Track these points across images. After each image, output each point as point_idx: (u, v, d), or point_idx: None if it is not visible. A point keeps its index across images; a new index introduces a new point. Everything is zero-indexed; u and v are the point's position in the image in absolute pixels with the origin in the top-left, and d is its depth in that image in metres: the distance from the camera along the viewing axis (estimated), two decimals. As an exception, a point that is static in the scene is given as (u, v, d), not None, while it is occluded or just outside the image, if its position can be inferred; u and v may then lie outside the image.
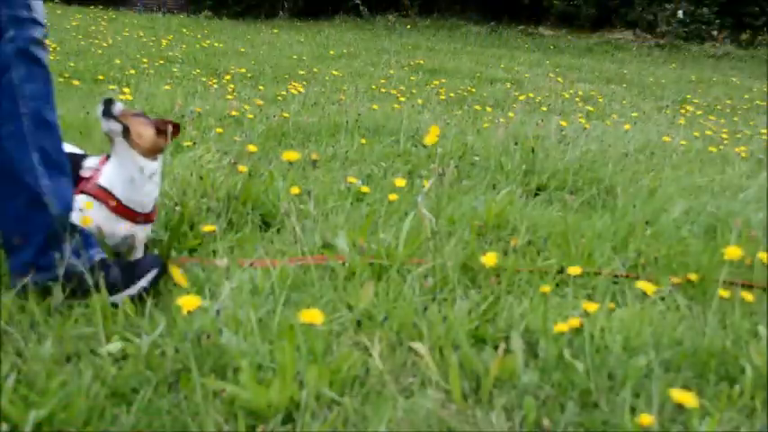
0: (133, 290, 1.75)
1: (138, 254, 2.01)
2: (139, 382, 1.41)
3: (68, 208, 1.75)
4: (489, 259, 1.85)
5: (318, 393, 1.39)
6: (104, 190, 1.90)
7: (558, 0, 17.01)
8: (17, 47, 1.68)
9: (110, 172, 1.92)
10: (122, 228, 1.93)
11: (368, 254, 2.09)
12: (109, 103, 1.87)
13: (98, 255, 1.79)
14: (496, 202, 2.71)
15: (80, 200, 1.88)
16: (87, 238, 1.79)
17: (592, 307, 1.64)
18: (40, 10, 1.73)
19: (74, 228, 1.75)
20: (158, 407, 1.34)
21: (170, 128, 1.95)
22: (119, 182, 1.90)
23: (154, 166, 1.93)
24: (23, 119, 1.70)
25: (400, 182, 2.68)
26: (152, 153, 1.92)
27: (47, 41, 1.77)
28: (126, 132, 1.88)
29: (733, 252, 1.86)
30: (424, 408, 1.38)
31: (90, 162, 2.00)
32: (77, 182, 1.91)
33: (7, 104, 1.69)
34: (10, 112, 1.69)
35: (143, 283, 1.76)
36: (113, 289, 1.72)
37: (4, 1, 1.66)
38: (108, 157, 1.96)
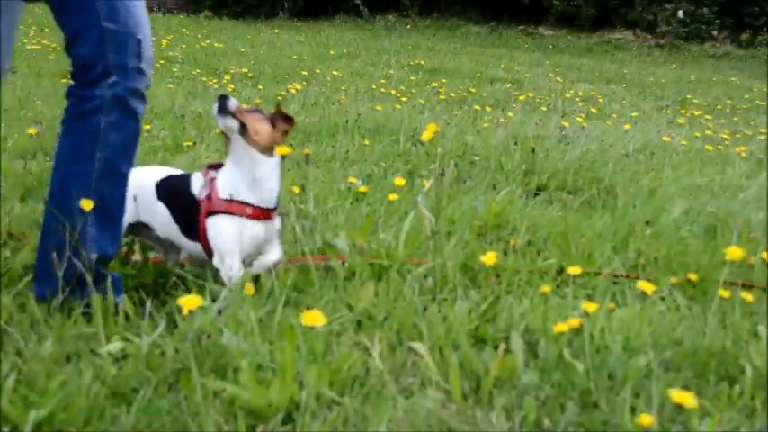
0: None
1: (275, 248, 1.95)
2: (139, 382, 1.41)
3: (104, 258, 1.75)
4: (489, 258, 1.85)
5: (318, 393, 1.39)
6: (233, 201, 1.84)
7: (558, 0, 17.00)
8: (115, 93, 1.70)
9: (229, 178, 1.85)
10: (261, 230, 1.87)
11: (368, 254, 2.09)
12: (224, 99, 1.80)
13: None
14: (496, 202, 2.71)
15: (215, 224, 1.83)
16: (116, 284, 1.78)
17: (592, 307, 1.64)
18: (149, 60, 1.75)
19: (102, 277, 1.74)
20: (158, 407, 1.34)
21: (286, 122, 1.90)
22: (242, 185, 1.84)
23: (273, 161, 1.88)
24: (95, 163, 1.71)
25: (399, 181, 2.68)
26: (270, 149, 1.86)
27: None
28: (243, 129, 1.82)
29: (733, 252, 1.86)
30: (424, 408, 1.38)
31: (197, 181, 1.91)
32: (197, 206, 1.86)
33: (86, 145, 1.71)
34: (85, 153, 1.70)
35: None
36: None
37: (115, 46, 1.67)
38: (209, 168, 1.91)
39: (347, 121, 4.35)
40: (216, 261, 1.85)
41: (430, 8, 17.17)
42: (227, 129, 1.82)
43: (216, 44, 10.07)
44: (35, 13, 13.48)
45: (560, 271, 2.09)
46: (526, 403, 1.39)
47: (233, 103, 1.81)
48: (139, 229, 2.00)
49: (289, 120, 1.91)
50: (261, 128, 1.84)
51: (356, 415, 1.36)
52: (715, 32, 15.78)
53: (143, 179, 1.95)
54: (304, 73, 7.49)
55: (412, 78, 7.88)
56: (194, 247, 1.90)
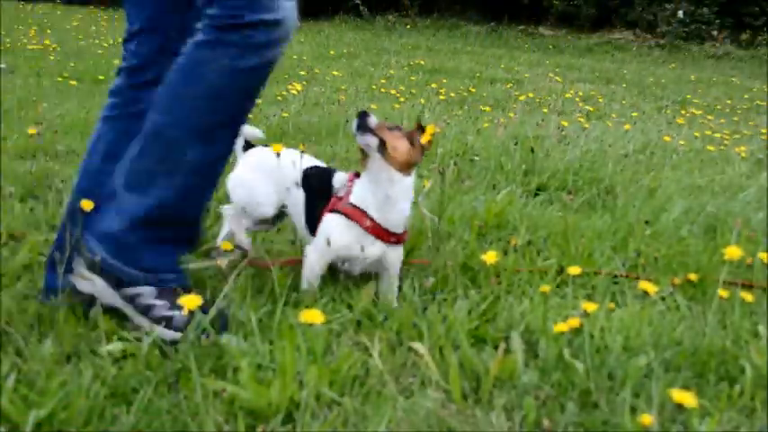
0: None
1: (393, 276, 1.90)
2: (139, 382, 1.41)
3: None
4: (490, 257, 1.85)
5: (318, 393, 1.39)
6: (358, 209, 1.80)
7: (558, 0, 17.00)
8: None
9: (362, 189, 1.81)
10: (375, 249, 1.82)
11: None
12: (364, 116, 1.76)
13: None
14: (496, 202, 2.71)
15: (329, 220, 1.82)
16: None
17: (592, 307, 1.64)
18: None
19: None
20: (158, 407, 1.34)
21: (424, 141, 1.83)
22: (373, 200, 1.80)
23: (408, 181, 1.82)
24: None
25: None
26: (407, 168, 1.80)
27: None
28: (382, 146, 1.76)
29: (733, 252, 1.86)
30: (424, 408, 1.38)
31: (339, 178, 1.92)
32: (329, 199, 1.86)
33: (126, 146, 1.66)
34: (123, 155, 1.67)
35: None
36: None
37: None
38: (357, 174, 1.88)
39: (347, 121, 4.35)
40: (306, 251, 1.85)
41: (430, 8, 17.17)
42: (366, 146, 1.77)
43: (216, 44, 10.05)
44: (35, 13, 13.49)
45: (560, 271, 2.09)
46: (526, 403, 1.39)
47: (373, 120, 1.77)
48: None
49: (429, 141, 1.85)
50: (400, 145, 1.78)
51: (356, 415, 1.36)
52: (715, 32, 15.78)
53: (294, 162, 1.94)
54: (304, 73, 7.48)
55: (412, 78, 7.88)
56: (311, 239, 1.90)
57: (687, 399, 1.24)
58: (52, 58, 7.20)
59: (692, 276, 2.05)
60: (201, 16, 1.55)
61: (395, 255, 1.88)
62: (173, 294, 1.59)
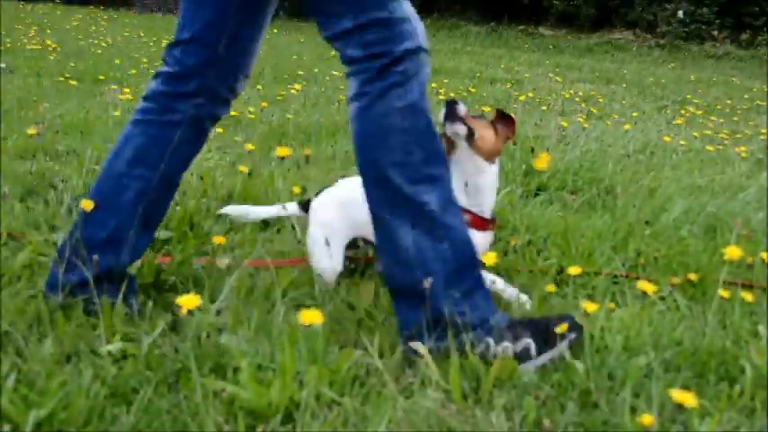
0: (548, 356, 1.56)
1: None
2: (139, 382, 1.41)
3: (135, 258, 1.75)
4: (489, 258, 1.84)
5: (318, 393, 1.39)
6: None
7: (558, 0, 17.00)
8: (198, 114, 1.70)
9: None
10: (476, 240, 1.76)
11: (366, 253, 2.09)
12: (452, 104, 1.76)
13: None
14: (496, 202, 2.70)
15: None
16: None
17: (592, 307, 1.64)
18: (237, 94, 1.76)
19: (131, 279, 1.74)
20: (158, 407, 1.34)
21: (507, 126, 1.84)
22: (462, 193, 1.79)
23: (495, 169, 1.83)
24: (158, 172, 1.70)
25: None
26: (493, 156, 1.81)
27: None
28: (470, 136, 1.77)
29: (733, 252, 1.86)
30: (424, 408, 1.38)
31: None
32: None
33: (155, 153, 1.69)
34: (152, 160, 1.69)
35: (562, 347, 1.56)
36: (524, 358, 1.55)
37: (218, 73, 1.68)
38: None
39: (347, 122, 4.34)
40: None
41: (430, 8, 17.17)
42: (455, 135, 1.77)
43: (216, 44, 10.05)
44: (35, 13, 13.50)
45: (560, 271, 2.09)
46: (526, 403, 1.39)
47: (462, 109, 1.77)
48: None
49: (510, 123, 1.85)
50: (487, 134, 1.79)
51: (356, 415, 1.36)
52: (715, 32, 15.78)
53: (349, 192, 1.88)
54: (304, 73, 7.49)
55: (412, 78, 7.87)
56: None
57: (687, 399, 1.25)
58: (52, 58, 7.20)
59: (692, 276, 2.05)
60: (341, 54, 1.55)
61: (487, 242, 1.87)
62: None
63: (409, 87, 1.52)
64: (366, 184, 1.59)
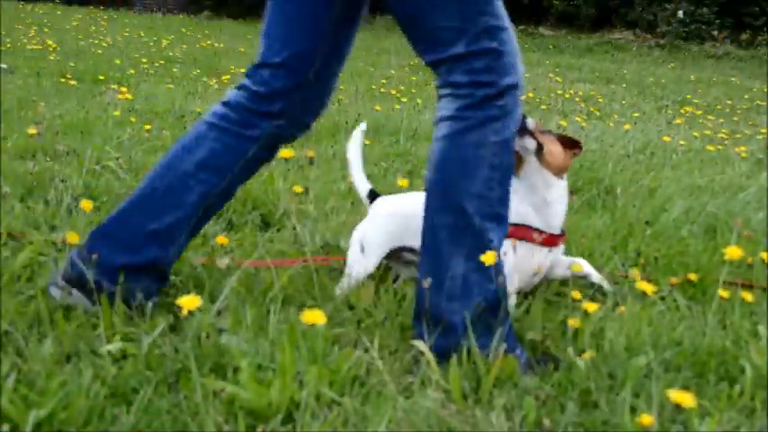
0: None
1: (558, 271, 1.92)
2: (139, 382, 1.41)
3: (176, 258, 1.76)
4: (489, 258, 1.84)
5: (318, 393, 1.39)
6: (522, 226, 1.78)
7: (559, 0, 17.00)
8: (278, 134, 1.71)
9: (516, 201, 1.70)
10: (548, 258, 1.83)
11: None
12: (522, 118, 1.71)
13: None
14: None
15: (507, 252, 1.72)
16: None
17: (592, 307, 1.64)
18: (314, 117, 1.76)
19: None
20: (158, 407, 1.34)
21: (574, 145, 1.85)
22: (531, 208, 1.79)
23: (563, 184, 1.84)
24: (225, 180, 1.71)
25: (403, 182, 2.68)
26: (562, 171, 1.82)
27: None
28: (539, 150, 1.78)
29: (733, 252, 1.86)
30: (424, 408, 1.38)
31: None
32: None
33: (227, 162, 1.69)
34: (222, 170, 1.69)
35: None
36: None
37: (304, 105, 1.69)
38: None
39: (347, 122, 4.34)
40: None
41: (430, 8, 17.14)
42: (524, 149, 1.77)
43: (216, 44, 10.08)
44: (35, 13, 13.51)
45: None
46: (526, 403, 1.39)
47: (531, 123, 1.77)
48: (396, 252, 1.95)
49: (576, 143, 1.86)
50: (555, 149, 1.80)
51: (356, 415, 1.36)
52: (715, 32, 15.78)
53: (411, 205, 1.84)
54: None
55: (412, 78, 7.89)
56: None
57: (685, 399, 1.24)
58: (52, 58, 7.20)
59: (692, 276, 2.05)
60: (442, 78, 1.54)
61: (559, 253, 1.89)
62: None
63: (506, 123, 1.53)
64: (432, 204, 1.57)
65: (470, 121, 1.52)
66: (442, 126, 1.56)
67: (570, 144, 1.84)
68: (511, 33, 1.54)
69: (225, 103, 1.70)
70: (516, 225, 1.75)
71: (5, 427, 1.24)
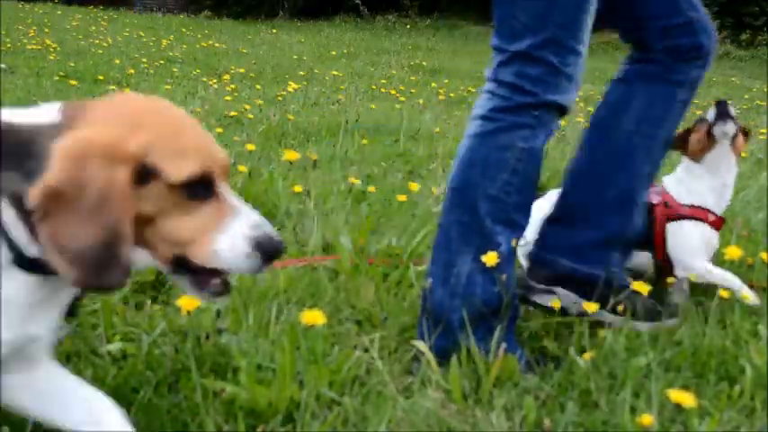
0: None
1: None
2: (139, 382, 1.41)
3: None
4: (490, 258, 1.84)
5: (318, 393, 1.39)
6: (698, 207, 1.88)
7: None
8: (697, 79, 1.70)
9: (693, 183, 1.91)
10: (716, 240, 1.91)
11: (366, 253, 2.09)
12: (724, 104, 1.86)
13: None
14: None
15: (679, 228, 1.86)
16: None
17: (592, 307, 1.64)
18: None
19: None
20: (158, 407, 1.34)
21: (747, 137, 1.95)
22: (710, 192, 1.88)
23: (736, 170, 1.94)
24: (661, 132, 1.71)
25: (414, 186, 2.68)
26: (739, 156, 1.94)
27: None
28: (735, 137, 1.87)
29: (733, 252, 1.85)
30: (424, 408, 1.38)
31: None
32: (651, 208, 1.88)
33: (657, 112, 1.68)
34: (655, 121, 1.69)
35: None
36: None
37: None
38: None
39: (347, 121, 4.35)
40: (682, 269, 1.87)
41: (430, 8, 17.17)
42: (723, 134, 1.84)
43: (216, 44, 10.08)
44: (35, 13, 13.50)
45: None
46: (526, 403, 1.39)
47: (732, 109, 1.86)
48: None
49: (748, 133, 1.97)
50: (742, 137, 1.92)
51: (356, 415, 1.36)
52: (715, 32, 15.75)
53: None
54: (304, 73, 7.49)
55: (412, 78, 7.89)
56: (639, 257, 1.91)
57: (686, 399, 1.24)
58: (52, 57, 7.20)
59: (692, 276, 2.04)
60: (491, 71, 1.55)
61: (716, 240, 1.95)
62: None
63: (537, 133, 1.53)
64: (451, 200, 1.57)
65: (501, 123, 1.52)
66: (474, 124, 1.56)
67: (746, 134, 1.94)
68: (581, 61, 1.52)
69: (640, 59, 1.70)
70: (693, 206, 1.87)
71: (5, 426, 1.24)
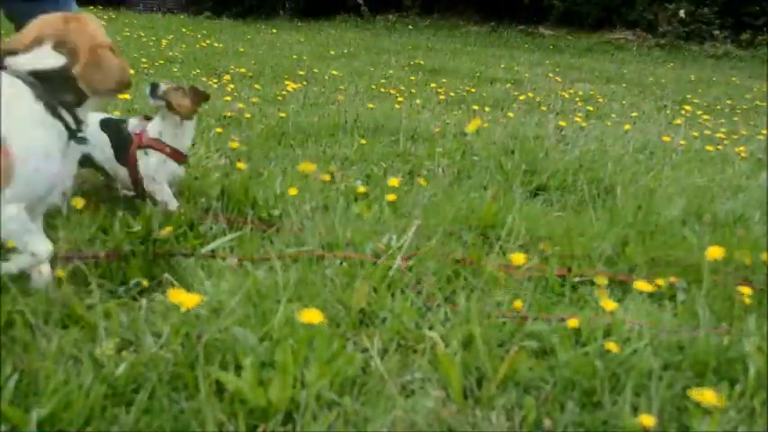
0: None
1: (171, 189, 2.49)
2: (139, 383, 1.41)
3: None
4: (491, 260, 1.85)
5: (318, 393, 1.39)
6: (158, 141, 2.47)
7: (559, 0, 17.00)
8: None
9: (157, 129, 2.49)
10: (175, 167, 2.50)
11: (364, 252, 2.09)
12: (155, 87, 2.44)
13: None
14: (495, 201, 2.70)
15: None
16: None
17: (592, 308, 1.64)
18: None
19: None
20: (158, 407, 1.34)
21: (197, 96, 2.52)
22: (167, 136, 2.48)
23: (190, 123, 2.53)
24: None
25: (393, 181, 2.69)
26: (189, 115, 2.50)
27: None
28: (169, 105, 2.45)
29: (715, 252, 1.85)
30: (424, 408, 1.38)
31: (132, 122, 2.53)
32: (130, 140, 2.47)
33: None
34: None
35: None
36: None
37: None
38: (146, 117, 2.55)
39: (346, 121, 4.35)
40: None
41: (430, 8, 17.16)
42: (157, 105, 2.42)
43: (216, 44, 10.08)
44: (35, 13, 13.43)
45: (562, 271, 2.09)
46: (526, 403, 1.39)
47: (161, 88, 2.41)
48: None
49: (201, 94, 2.52)
50: (182, 101, 2.45)
51: (356, 415, 1.36)
52: (716, 32, 15.77)
53: None
54: (304, 73, 7.48)
55: (412, 78, 7.88)
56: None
57: (709, 397, 1.24)
58: (52, 57, 7.17)
59: (692, 276, 2.04)
60: None
61: (181, 171, 2.57)
62: None
63: None
64: None
65: None
66: None
67: (196, 96, 2.50)
68: None
69: None
70: (155, 139, 2.46)
71: (5, 427, 1.24)
